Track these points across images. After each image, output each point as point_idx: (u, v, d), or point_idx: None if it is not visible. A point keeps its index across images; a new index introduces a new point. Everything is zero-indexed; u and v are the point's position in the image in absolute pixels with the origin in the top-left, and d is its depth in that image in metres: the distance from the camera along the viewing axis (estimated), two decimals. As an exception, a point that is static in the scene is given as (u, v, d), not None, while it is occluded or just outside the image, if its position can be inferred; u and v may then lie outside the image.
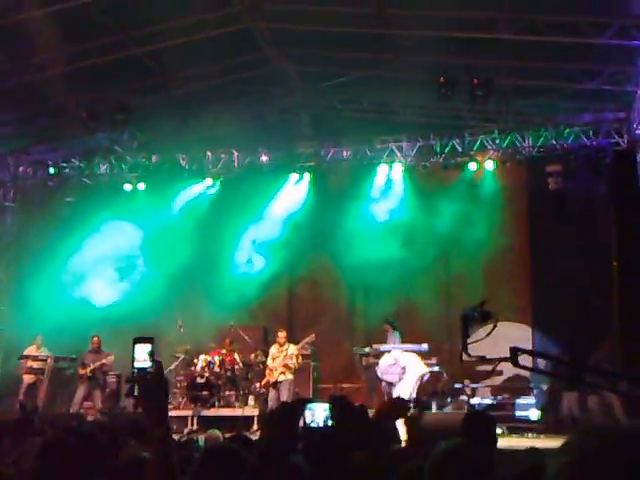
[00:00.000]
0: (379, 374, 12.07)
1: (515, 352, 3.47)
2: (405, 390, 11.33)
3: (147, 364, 3.44)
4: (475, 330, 3.64)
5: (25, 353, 13.67)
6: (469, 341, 3.59)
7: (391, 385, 11.91)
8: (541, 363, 8.44)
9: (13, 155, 15.46)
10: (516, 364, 3.47)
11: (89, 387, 12.72)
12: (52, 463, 3.34)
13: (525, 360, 3.44)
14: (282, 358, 12.36)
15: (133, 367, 3.47)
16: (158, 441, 2.59)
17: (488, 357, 3.64)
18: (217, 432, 7.00)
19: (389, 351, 12.24)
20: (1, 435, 5.22)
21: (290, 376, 12.30)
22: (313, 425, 4.52)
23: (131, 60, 11.79)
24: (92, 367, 12.74)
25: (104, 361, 12.78)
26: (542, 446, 5.34)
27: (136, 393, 2.94)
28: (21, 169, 15.74)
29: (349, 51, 11.93)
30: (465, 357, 3.66)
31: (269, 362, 12.46)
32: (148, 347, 3.53)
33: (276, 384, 12.29)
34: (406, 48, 11.39)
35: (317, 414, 4.50)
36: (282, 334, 12.57)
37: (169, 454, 2.63)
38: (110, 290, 14.67)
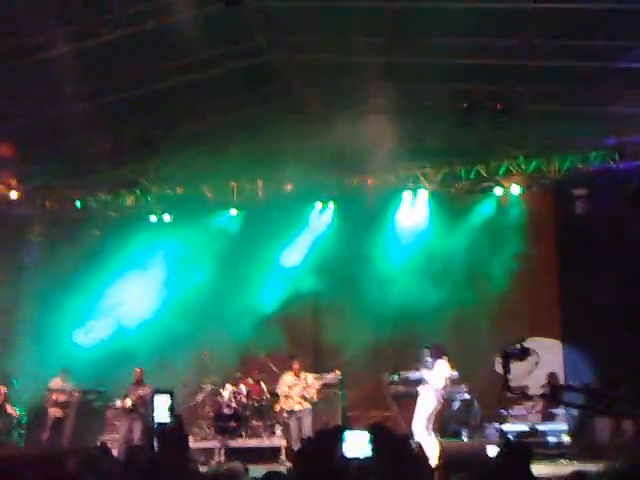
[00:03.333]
0: None
1: (556, 389, 3.62)
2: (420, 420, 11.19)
3: (167, 419, 3.50)
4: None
5: (50, 386, 13.79)
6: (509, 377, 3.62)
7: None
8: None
9: (39, 190, 15.88)
10: (558, 402, 3.61)
11: (130, 420, 12.59)
12: None
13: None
14: (300, 388, 12.45)
15: (153, 421, 3.41)
16: None
17: (530, 393, 3.79)
18: (239, 464, 7.09)
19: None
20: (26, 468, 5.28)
21: (308, 406, 12.38)
22: (351, 456, 4.32)
23: (155, 93, 12.05)
24: (133, 399, 12.56)
25: (140, 393, 12.51)
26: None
27: (156, 448, 3.05)
28: (47, 204, 16.17)
29: (364, 80, 12.13)
30: (508, 393, 3.75)
31: (284, 389, 12.49)
32: (168, 400, 3.51)
33: (293, 413, 12.36)
34: (426, 76, 11.54)
35: (354, 444, 4.59)
36: (296, 364, 12.65)
37: None
38: (135, 322, 14.99)
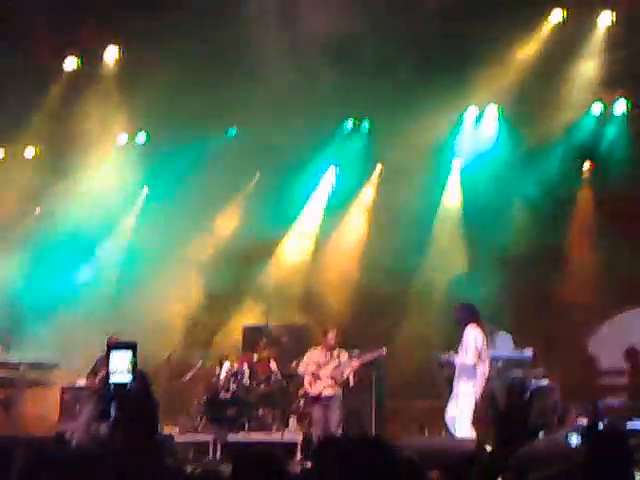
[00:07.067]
0: None
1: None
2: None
3: (127, 378, 3.28)
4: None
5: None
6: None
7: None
8: None
9: None
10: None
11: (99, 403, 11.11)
12: None
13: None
14: (332, 368, 11.10)
15: (108, 382, 3.34)
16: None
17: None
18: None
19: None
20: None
21: (339, 390, 11.11)
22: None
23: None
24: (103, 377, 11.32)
25: None
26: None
27: (113, 415, 2.86)
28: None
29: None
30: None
31: (310, 367, 11.20)
32: (128, 355, 3.34)
33: (319, 399, 11.04)
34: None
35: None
36: (332, 334, 11.20)
37: None
38: (93, 269, 13.87)
